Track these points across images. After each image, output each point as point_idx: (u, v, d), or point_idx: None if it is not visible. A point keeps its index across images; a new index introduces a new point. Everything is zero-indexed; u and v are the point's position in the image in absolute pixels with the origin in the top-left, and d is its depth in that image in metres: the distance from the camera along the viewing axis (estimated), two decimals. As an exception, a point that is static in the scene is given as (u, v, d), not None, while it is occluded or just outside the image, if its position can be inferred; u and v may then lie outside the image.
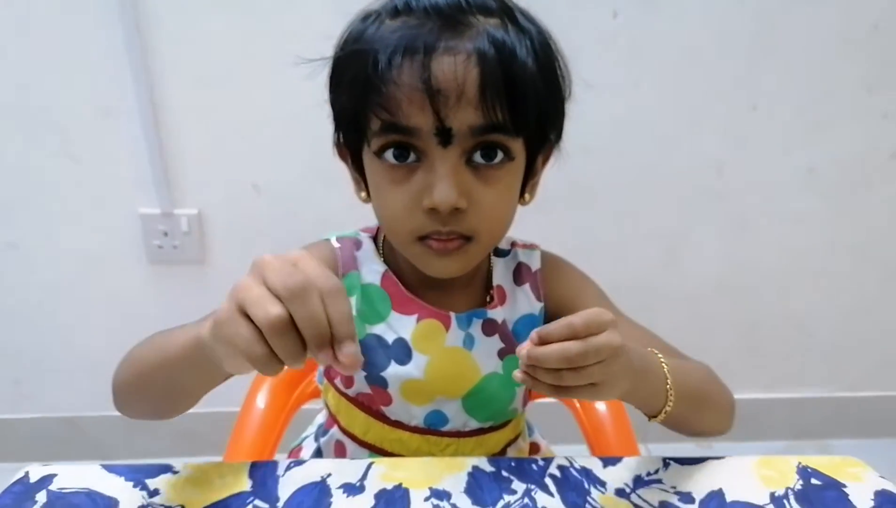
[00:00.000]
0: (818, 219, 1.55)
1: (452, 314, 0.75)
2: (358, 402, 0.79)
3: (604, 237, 1.51)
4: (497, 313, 0.77)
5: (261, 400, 0.94)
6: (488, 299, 0.78)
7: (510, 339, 0.77)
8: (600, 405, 0.99)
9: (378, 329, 0.75)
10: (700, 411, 0.70)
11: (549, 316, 0.79)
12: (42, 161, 1.41)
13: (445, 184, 0.60)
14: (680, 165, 1.48)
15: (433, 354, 0.75)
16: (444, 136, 0.59)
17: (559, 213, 1.45)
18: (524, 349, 0.51)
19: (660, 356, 0.65)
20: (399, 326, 0.75)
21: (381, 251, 0.77)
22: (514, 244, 0.81)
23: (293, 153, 1.41)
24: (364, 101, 0.60)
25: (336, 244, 0.76)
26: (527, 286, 0.79)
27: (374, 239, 0.78)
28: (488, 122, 0.59)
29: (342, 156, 0.71)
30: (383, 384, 0.75)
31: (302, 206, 1.44)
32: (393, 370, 0.74)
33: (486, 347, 0.76)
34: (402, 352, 0.75)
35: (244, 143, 1.41)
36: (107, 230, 1.48)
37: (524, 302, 0.78)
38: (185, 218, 1.45)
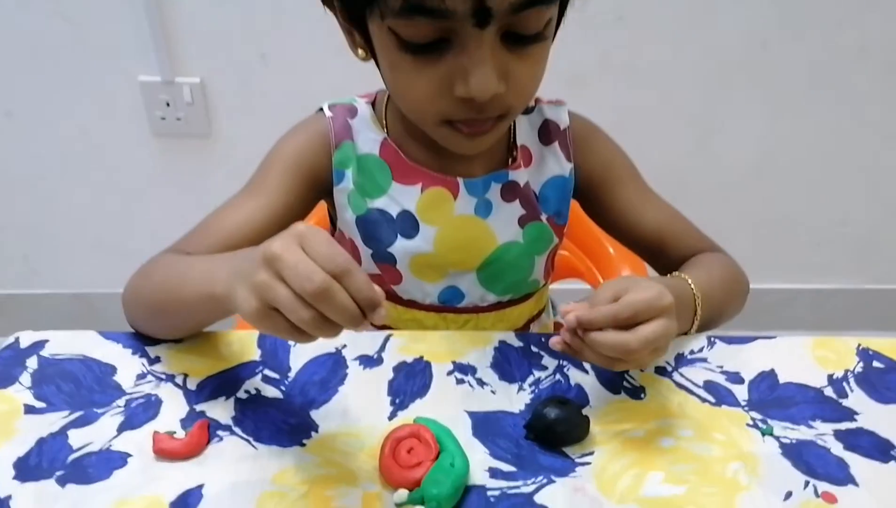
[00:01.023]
0: (867, 103, 1.43)
1: (461, 180, 0.68)
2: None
3: (634, 117, 1.40)
4: (520, 175, 0.69)
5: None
6: (510, 160, 0.70)
7: (533, 204, 0.70)
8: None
9: (380, 203, 0.68)
10: (722, 312, 0.67)
11: (577, 181, 0.72)
12: (34, 22, 1.30)
13: (484, 71, 0.52)
14: (719, 37, 1.35)
15: (442, 224, 0.68)
16: (483, 16, 0.50)
17: (589, 88, 1.34)
18: (569, 314, 0.50)
19: (689, 280, 0.61)
20: (402, 197, 0.68)
21: (382, 118, 0.69)
22: (538, 100, 0.72)
23: (301, 21, 1.29)
24: None
25: (328, 113, 0.68)
26: (555, 145, 0.71)
27: (373, 104, 0.70)
28: None
29: (327, 4, 0.60)
30: (391, 260, 0.68)
31: (310, 77, 1.33)
32: (400, 245, 0.68)
33: (504, 214, 0.69)
34: (408, 225, 0.68)
35: (249, 8, 1.29)
36: (106, 99, 1.38)
37: (553, 163, 0.71)
38: (188, 87, 1.35)
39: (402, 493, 0.46)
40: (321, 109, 0.69)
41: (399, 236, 0.68)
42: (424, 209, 0.68)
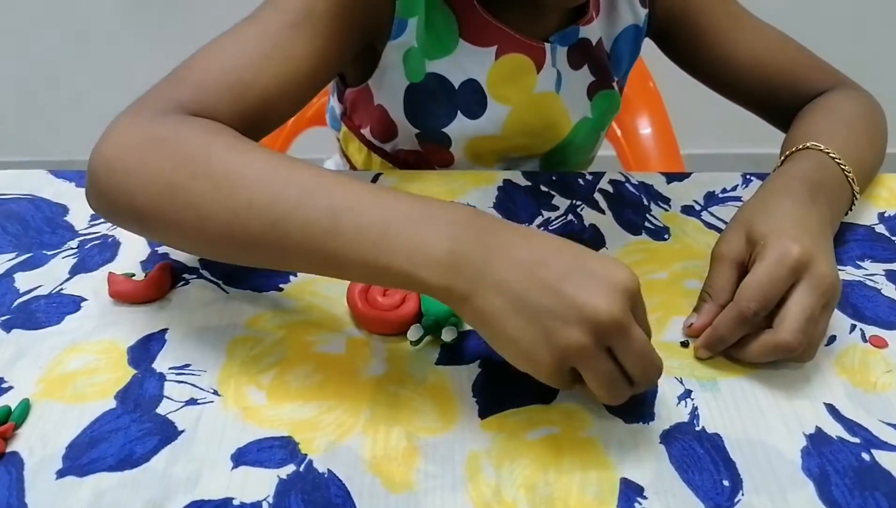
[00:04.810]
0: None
1: (547, 46, 0.54)
2: (401, 161, 0.60)
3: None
4: (593, 31, 0.56)
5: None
6: (577, 14, 0.55)
7: (604, 67, 0.58)
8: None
9: (440, 66, 0.53)
10: (872, 177, 0.53)
11: (653, 27, 0.59)
12: None
13: None
14: None
15: (518, 103, 0.56)
16: None
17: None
18: (700, 350, 0.41)
19: (830, 152, 0.47)
20: (470, 61, 0.54)
21: None
22: None
23: None
24: None
25: None
26: None
27: None
28: None
29: None
30: (444, 142, 0.56)
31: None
32: (459, 126, 0.55)
33: (574, 85, 0.57)
34: (473, 101, 0.55)
35: None
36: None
37: (626, 10, 0.57)
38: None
39: (416, 329, 0.41)
40: None
41: (460, 113, 0.55)
42: (498, 83, 0.54)
